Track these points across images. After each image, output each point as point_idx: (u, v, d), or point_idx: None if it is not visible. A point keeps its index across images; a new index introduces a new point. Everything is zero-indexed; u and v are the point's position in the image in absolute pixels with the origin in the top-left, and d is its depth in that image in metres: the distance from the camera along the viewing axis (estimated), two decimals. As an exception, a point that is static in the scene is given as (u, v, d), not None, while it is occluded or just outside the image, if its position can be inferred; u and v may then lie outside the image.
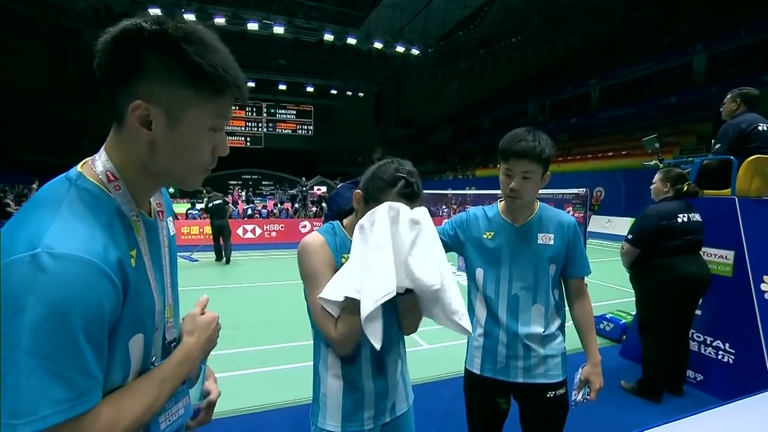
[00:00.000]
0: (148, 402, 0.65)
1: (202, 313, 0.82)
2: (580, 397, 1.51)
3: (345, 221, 1.23)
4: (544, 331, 1.47)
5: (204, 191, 9.23)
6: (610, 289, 6.14)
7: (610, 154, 19.05)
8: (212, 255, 8.67)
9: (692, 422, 1.10)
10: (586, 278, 1.56)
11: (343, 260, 1.14)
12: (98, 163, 0.67)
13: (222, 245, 8.43)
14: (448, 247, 1.61)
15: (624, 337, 3.90)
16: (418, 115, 40.58)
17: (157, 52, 0.61)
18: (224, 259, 8.43)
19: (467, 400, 1.64)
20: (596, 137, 22.41)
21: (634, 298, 3.10)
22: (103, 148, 0.69)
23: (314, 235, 1.16)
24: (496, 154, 1.50)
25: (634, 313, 3.21)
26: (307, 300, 1.13)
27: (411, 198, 1.11)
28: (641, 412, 2.77)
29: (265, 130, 36.37)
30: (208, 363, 0.88)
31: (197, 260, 8.59)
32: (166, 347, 0.75)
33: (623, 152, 18.15)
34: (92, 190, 0.64)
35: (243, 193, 21.87)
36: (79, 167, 0.67)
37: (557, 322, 1.51)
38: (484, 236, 1.52)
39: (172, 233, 0.81)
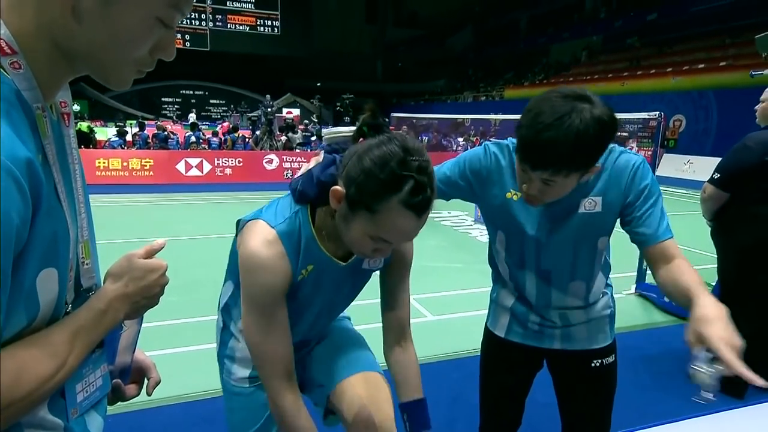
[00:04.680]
0: (60, 359, 0.65)
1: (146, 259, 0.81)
2: (705, 375, 0.99)
3: (318, 213, 1.15)
4: (584, 304, 1.53)
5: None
6: (687, 252, 6.27)
7: (701, 66, 18.38)
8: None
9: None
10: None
11: (303, 274, 1.15)
12: None
13: None
14: (446, 196, 1.55)
15: (699, 313, 4.03)
16: (427, 9, 39.16)
17: None
18: None
19: (484, 365, 1.72)
20: (683, 41, 21.79)
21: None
22: None
23: (266, 239, 1.09)
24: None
25: (715, 282, 3.27)
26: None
27: (421, 210, 1.01)
28: (714, 408, 2.90)
29: (211, 25, 34.48)
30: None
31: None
32: (81, 295, 0.75)
33: (721, 63, 17.45)
34: None
35: (192, 116, 21.41)
36: None
37: (602, 284, 1.57)
38: (508, 195, 1.44)
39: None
